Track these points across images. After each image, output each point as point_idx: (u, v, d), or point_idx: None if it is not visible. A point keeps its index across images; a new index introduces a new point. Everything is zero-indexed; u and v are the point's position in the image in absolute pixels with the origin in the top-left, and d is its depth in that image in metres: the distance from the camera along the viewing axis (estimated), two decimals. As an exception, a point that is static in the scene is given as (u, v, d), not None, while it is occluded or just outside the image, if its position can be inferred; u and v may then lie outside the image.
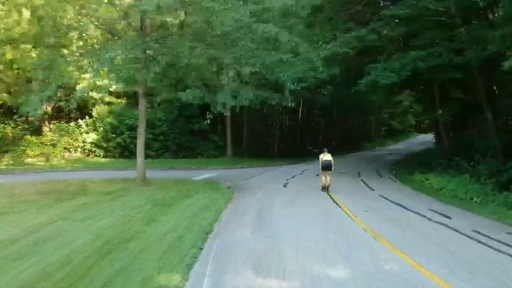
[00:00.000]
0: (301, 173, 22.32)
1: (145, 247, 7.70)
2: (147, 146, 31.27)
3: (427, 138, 72.05)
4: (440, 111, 20.41)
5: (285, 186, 17.29)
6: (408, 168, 24.16)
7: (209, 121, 20.79)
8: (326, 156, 15.97)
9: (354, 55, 19.00)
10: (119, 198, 13.36)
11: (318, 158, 16.75)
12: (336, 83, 28.97)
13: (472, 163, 16.74)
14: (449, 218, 10.39)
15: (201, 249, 7.69)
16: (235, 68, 15.33)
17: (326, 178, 15.67)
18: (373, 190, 15.84)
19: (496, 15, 15.34)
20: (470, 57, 14.35)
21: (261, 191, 15.50)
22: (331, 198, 13.83)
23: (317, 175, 20.60)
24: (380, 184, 17.78)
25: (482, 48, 13.43)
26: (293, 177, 20.61)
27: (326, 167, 15.68)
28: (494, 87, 18.33)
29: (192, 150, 33.47)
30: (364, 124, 60.51)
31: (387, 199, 13.63)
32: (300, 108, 42.21)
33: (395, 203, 12.80)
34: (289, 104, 26.26)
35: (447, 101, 19.87)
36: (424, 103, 30.44)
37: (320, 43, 19.04)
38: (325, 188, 15.50)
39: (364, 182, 18.31)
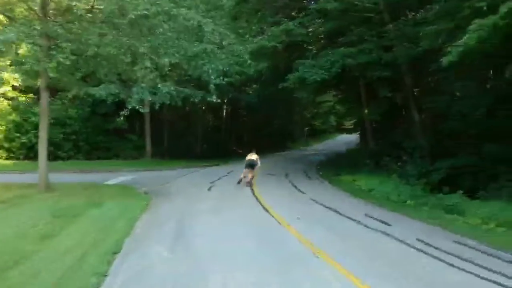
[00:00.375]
0: (227, 175, 21.07)
1: (33, 274, 6.00)
2: (57, 147, 28.37)
3: (349, 138, 74.74)
4: (366, 110, 20.27)
5: (209, 189, 15.83)
6: (335, 169, 23.91)
7: (123, 119, 18.58)
8: (252, 156, 17.36)
9: (282, 50, 18.17)
10: (13, 208, 11.13)
11: (244, 159, 17.82)
12: (262, 80, 28.11)
13: (400, 163, 16.60)
14: (389, 225, 9.59)
15: (105, 275, 6.10)
16: (152, 58, 13.66)
17: (247, 175, 16.92)
18: (304, 193, 14.89)
19: (425, 12, 15.27)
20: (399, 54, 14.10)
21: (183, 197, 13.96)
22: (261, 203, 12.58)
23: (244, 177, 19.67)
24: (310, 186, 16.98)
25: (414, 44, 13.15)
26: (218, 179, 19.30)
27: (250, 165, 17.11)
28: (421, 86, 18.48)
29: (108, 150, 30.86)
30: (289, 124, 60.84)
31: (319, 203, 12.66)
32: (224, 106, 41.05)
33: (328, 208, 11.85)
34: (213, 100, 24.91)
35: (375, 100, 19.73)
36: (350, 102, 30.58)
37: (247, 36, 17.98)
38: (240, 182, 16.90)
39: (293, 184, 17.38)
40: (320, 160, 32.24)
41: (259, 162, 17.24)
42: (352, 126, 48.04)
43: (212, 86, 14.29)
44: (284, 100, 50.84)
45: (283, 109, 54.56)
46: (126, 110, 16.17)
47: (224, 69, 15.70)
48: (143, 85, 14.42)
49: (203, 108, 37.18)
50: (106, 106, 29.33)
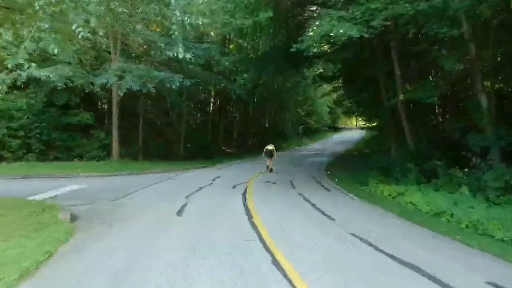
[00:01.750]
0: (211, 184, 15.43)
1: None
2: (2, 146, 22.65)
3: (343, 137, 70.18)
4: (402, 96, 14.78)
5: (180, 212, 9.86)
6: (350, 174, 18.55)
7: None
8: (269, 147, 21.58)
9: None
10: None
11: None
12: (260, 57, 22.42)
13: (466, 169, 11.15)
14: None
15: None
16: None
17: (269, 162, 21.15)
18: (331, 218, 9.20)
19: None
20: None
21: (134, 226, 8.25)
22: (263, 242, 6.94)
23: (234, 187, 14.12)
24: (333, 203, 11.39)
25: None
26: (198, 190, 13.62)
27: (267, 153, 21.32)
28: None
29: (69, 150, 24.94)
30: (281, 122, 55.36)
31: (372, 245, 6.94)
32: (212, 99, 35.38)
33: (402, 262, 6.00)
34: (185, 84, 19.33)
35: (413, 81, 14.33)
36: (365, 90, 24.99)
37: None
38: (268, 170, 20.77)
39: (307, 200, 11.74)
40: (325, 162, 26.88)
41: (275, 152, 21.66)
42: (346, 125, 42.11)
43: (174, 29, 8.45)
44: (277, 93, 45.66)
45: (275, 104, 49.24)
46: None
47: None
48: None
49: (187, 101, 31.47)
50: (67, 95, 23.78)
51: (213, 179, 16.77)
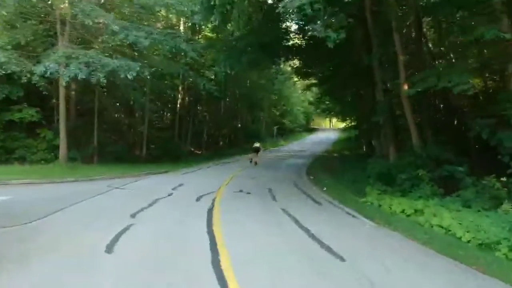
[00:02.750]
0: (170, 195, 12.10)
1: None
2: None
3: (318, 137, 67.58)
4: (406, 86, 11.89)
5: (112, 245, 6.36)
6: (339, 180, 15.64)
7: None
8: (256, 144, 25.64)
9: None
10: None
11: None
12: (231, 46, 19.29)
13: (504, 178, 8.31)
14: None
15: None
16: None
17: (254, 157, 24.57)
18: (342, 259, 5.83)
19: None
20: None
21: (35, 272, 5.04)
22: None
23: (199, 199, 10.95)
24: (335, 230, 8.06)
25: None
26: (151, 204, 10.28)
27: (255, 150, 25.07)
28: None
29: (9, 153, 21.17)
30: (255, 122, 52.36)
31: None
32: (179, 96, 31.95)
33: None
34: (144, 74, 16.29)
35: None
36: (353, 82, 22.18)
37: None
38: (253, 163, 24.08)
39: (297, 222, 8.45)
40: (305, 165, 23.89)
41: (262, 149, 26.15)
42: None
43: None
44: (251, 90, 42.57)
45: (248, 103, 46.19)
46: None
47: None
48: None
49: (150, 98, 27.97)
50: (8, 88, 20.04)
51: (174, 188, 13.47)
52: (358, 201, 11.21)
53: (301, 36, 23.94)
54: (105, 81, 16.69)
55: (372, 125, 18.33)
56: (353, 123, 42.68)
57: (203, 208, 9.74)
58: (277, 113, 60.20)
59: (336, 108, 41.68)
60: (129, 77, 16.44)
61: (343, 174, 17.43)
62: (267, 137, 54.18)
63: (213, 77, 29.47)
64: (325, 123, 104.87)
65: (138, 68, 16.76)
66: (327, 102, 38.36)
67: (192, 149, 35.98)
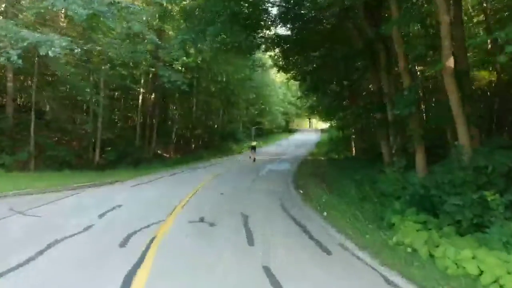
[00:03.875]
0: (88, 228, 7.37)
1: None
2: None
3: (300, 139, 63.04)
4: (452, 61, 7.57)
5: None
6: (341, 197, 11.29)
7: None
8: (253, 143, 30.16)
9: None
10: None
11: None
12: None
13: None
14: None
15: None
16: None
17: (252, 154, 27.88)
18: None
19: None
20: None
21: None
22: None
23: (127, 241, 6.45)
24: None
25: None
26: (42, 252, 5.76)
27: (252, 148, 28.62)
28: None
29: None
30: (231, 122, 47.78)
31: None
32: (141, 90, 27.15)
33: None
34: (75, 50, 12.08)
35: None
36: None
37: None
38: (252, 159, 27.36)
39: None
40: (290, 173, 19.39)
41: (256, 146, 29.39)
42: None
43: None
44: (226, 87, 37.98)
45: (224, 101, 41.62)
46: None
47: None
48: None
49: (104, 91, 23.16)
50: None
51: (103, 214, 8.83)
52: (386, 241, 6.83)
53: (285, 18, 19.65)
54: (19, 61, 11.92)
55: (379, 123, 14.13)
56: (337, 123, 38.72)
57: (122, 267, 5.21)
58: (255, 112, 55.78)
59: (320, 106, 37.53)
60: (51, 54, 11.70)
61: (341, 187, 13.07)
62: (245, 138, 49.78)
63: (181, 68, 24.84)
64: (305, 124, 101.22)
65: (64, 43, 12.05)
66: (314, 98, 34.12)
67: (159, 152, 31.27)
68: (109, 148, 24.58)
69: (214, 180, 16.27)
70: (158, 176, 17.90)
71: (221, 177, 17.30)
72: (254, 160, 26.91)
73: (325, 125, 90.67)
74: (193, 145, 35.12)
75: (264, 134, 58.96)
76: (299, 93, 68.84)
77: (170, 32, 26.71)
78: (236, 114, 48.31)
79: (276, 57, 26.77)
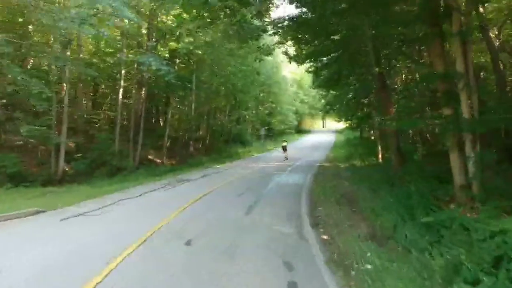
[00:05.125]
0: None
1: None
2: None
3: (313, 140, 57.15)
4: None
5: None
6: (397, 255, 5.90)
7: None
8: (284, 143, 31.74)
9: None
10: None
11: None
12: None
13: None
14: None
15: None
16: None
17: (285, 153, 29.99)
18: None
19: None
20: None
21: None
22: None
23: None
24: None
25: None
26: None
27: (284, 148, 30.65)
28: None
29: None
30: (239, 122, 42.51)
31: None
32: (121, 83, 22.07)
33: None
34: None
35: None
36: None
37: None
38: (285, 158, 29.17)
39: None
40: (302, 191, 13.79)
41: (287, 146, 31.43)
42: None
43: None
44: (230, 80, 32.70)
45: (229, 98, 36.45)
46: None
47: None
48: None
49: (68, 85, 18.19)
50: None
51: None
52: None
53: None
54: None
55: (447, 122, 8.77)
56: (356, 122, 33.21)
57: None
58: (265, 111, 50.45)
59: (338, 103, 32.15)
60: None
61: (392, 228, 7.80)
62: (253, 140, 44.49)
63: (166, 55, 19.67)
64: (318, 124, 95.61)
65: None
66: (332, 92, 28.67)
67: (151, 158, 26.23)
68: (80, 155, 19.64)
69: (196, 205, 11.05)
70: (125, 195, 12.75)
71: (209, 199, 12.07)
72: (286, 158, 29.10)
73: (339, 126, 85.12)
74: (191, 149, 29.94)
75: (275, 135, 53.58)
76: (313, 90, 63.62)
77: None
78: (244, 113, 43.02)
79: (285, 43, 21.56)
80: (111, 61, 21.24)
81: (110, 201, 11.58)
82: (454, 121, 8.55)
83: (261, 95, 46.97)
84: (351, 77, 20.93)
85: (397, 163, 15.97)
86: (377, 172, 17.46)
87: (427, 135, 16.65)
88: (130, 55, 18.75)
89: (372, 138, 39.44)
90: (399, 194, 10.43)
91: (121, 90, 21.45)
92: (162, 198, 12.37)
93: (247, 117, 43.89)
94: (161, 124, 28.99)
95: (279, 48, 21.03)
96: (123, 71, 21.01)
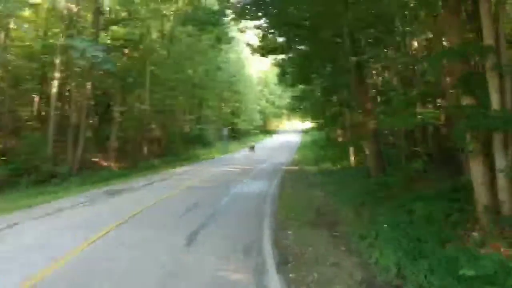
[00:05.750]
0: None
1: None
2: None
3: (279, 141, 54.24)
4: None
5: None
6: None
7: None
8: (252, 143, 36.60)
9: None
10: None
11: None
12: None
13: None
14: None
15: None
16: None
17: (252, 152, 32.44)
18: None
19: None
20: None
21: None
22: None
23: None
24: None
25: None
26: None
27: (251, 147, 34.56)
28: None
29: None
30: (199, 122, 39.32)
31: None
32: (55, 74, 18.57)
33: None
34: None
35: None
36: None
37: None
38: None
39: None
40: (265, 208, 10.90)
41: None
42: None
43: None
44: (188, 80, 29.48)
45: (187, 96, 33.22)
46: None
47: None
48: None
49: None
50: None
51: None
52: None
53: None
54: None
55: (469, 117, 6.16)
56: (325, 122, 30.77)
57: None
58: (229, 111, 47.43)
59: (305, 100, 29.61)
60: None
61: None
62: (216, 140, 41.39)
63: (108, 41, 16.38)
64: (283, 124, 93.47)
65: None
66: (301, 86, 25.92)
67: (96, 161, 22.78)
68: (3, 159, 16.11)
69: (112, 237, 7.81)
70: (22, 215, 9.49)
71: (137, 223, 8.94)
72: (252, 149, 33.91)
73: (305, 126, 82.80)
74: (145, 151, 26.58)
75: (240, 135, 50.65)
76: (278, 89, 61.02)
77: None
78: (205, 113, 39.88)
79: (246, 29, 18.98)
80: (40, 46, 17.64)
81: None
82: (477, 115, 5.96)
83: (224, 93, 44.00)
84: (321, 71, 18.31)
85: (376, 168, 13.46)
86: (352, 178, 14.92)
87: (418, 134, 14.21)
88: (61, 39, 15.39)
89: (340, 139, 37.24)
90: (393, 213, 7.83)
91: (55, 82, 17.91)
92: (65, 225, 8.77)
93: (208, 116, 40.75)
94: (105, 121, 25.47)
95: (242, 32, 18.34)
96: (57, 60, 17.46)
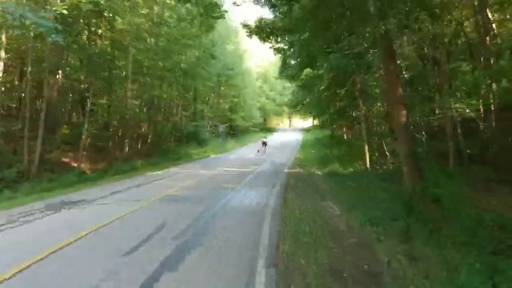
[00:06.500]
0: None
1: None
2: None
3: (280, 139, 49.83)
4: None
5: None
6: None
7: None
8: (264, 139, 31.01)
9: None
10: None
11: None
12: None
13: None
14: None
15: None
16: None
17: (262, 148, 29.62)
18: None
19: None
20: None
21: None
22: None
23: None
24: None
25: None
26: None
27: (264, 143, 30.11)
28: None
29: None
30: (195, 118, 35.88)
31: None
32: (1, 53, 15.06)
33: None
34: None
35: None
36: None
37: None
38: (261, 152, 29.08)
39: None
40: (266, 225, 7.58)
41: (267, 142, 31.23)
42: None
43: None
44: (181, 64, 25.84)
45: (177, 87, 29.75)
46: None
47: None
48: None
49: None
50: None
51: None
52: None
53: None
54: None
55: None
56: (330, 118, 27.28)
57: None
58: (226, 106, 43.90)
59: (309, 95, 26.19)
60: None
61: None
62: (212, 138, 37.89)
63: (63, 11, 12.87)
64: (283, 122, 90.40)
65: None
66: (306, 74, 22.41)
67: (66, 161, 19.32)
68: None
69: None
70: None
71: (44, 269, 5.54)
72: (263, 153, 28.89)
73: (306, 124, 79.74)
74: (127, 150, 23.09)
75: (237, 133, 47.10)
76: (279, 85, 57.54)
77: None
78: (200, 108, 36.40)
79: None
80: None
81: None
82: None
83: (222, 88, 40.53)
84: (332, 52, 14.74)
85: (412, 174, 9.95)
86: (374, 186, 11.46)
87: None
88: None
89: (345, 136, 33.81)
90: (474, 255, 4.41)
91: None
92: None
93: (204, 111, 37.25)
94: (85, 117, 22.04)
95: (237, 6, 14.88)
96: (3, 36, 13.95)
